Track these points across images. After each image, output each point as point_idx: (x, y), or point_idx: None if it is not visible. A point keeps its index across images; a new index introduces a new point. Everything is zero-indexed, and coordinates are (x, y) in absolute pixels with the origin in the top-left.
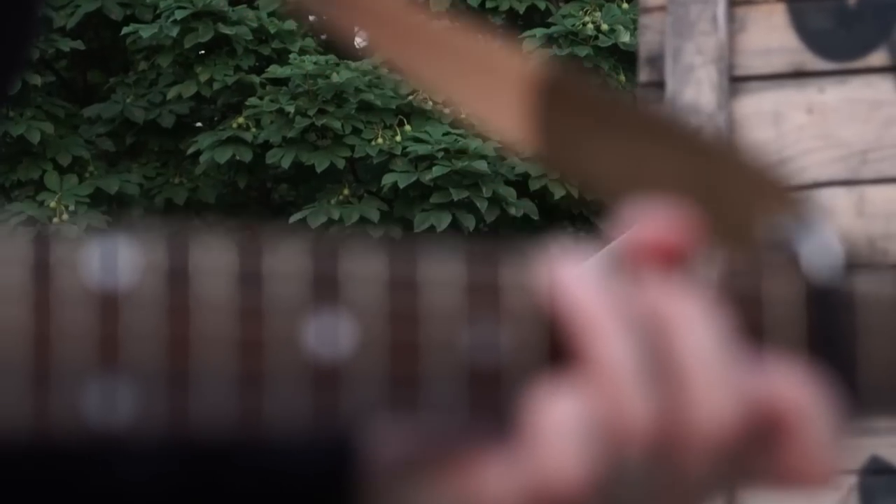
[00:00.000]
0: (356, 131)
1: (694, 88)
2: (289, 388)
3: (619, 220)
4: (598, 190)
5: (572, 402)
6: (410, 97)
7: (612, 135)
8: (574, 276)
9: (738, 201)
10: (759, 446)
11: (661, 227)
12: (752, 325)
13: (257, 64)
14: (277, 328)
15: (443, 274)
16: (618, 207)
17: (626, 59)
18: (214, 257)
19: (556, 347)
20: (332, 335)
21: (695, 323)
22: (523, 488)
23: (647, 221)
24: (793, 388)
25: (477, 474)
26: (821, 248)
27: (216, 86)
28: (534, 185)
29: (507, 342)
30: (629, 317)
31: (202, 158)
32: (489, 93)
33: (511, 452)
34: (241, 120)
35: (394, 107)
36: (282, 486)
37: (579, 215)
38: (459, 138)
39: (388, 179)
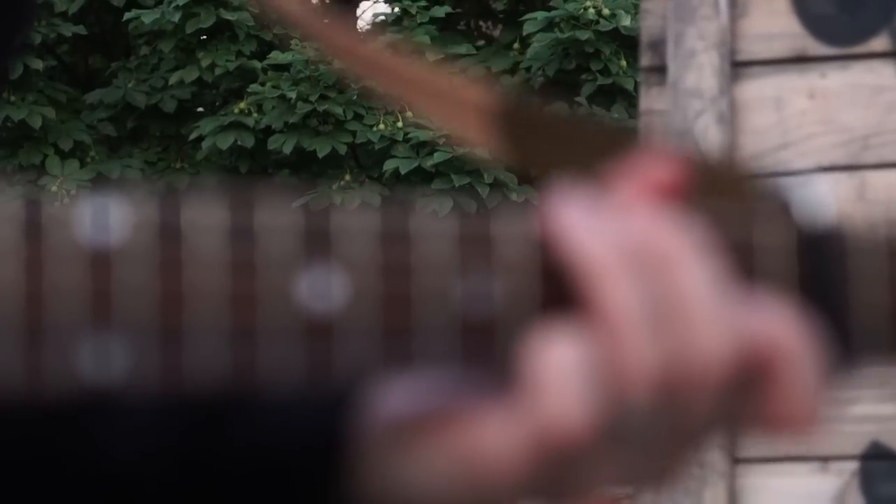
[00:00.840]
0: (358, 117)
1: (695, 73)
2: (282, 343)
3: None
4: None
5: (573, 347)
6: None
7: (571, 155)
8: (571, 218)
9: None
10: (750, 386)
11: (653, 165)
12: (745, 270)
13: (259, 49)
14: (270, 283)
15: (434, 226)
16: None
17: (627, 43)
18: (206, 213)
19: (552, 294)
20: (324, 288)
21: (691, 260)
22: (526, 438)
23: (640, 161)
24: (783, 328)
25: (476, 427)
26: (812, 197)
27: (218, 71)
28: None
29: (501, 292)
30: (627, 256)
31: (204, 144)
32: (457, 118)
33: (510, 403)
34: (242, 105)
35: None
36: (277, 441)
37: None
38: None
39: (389, 165)
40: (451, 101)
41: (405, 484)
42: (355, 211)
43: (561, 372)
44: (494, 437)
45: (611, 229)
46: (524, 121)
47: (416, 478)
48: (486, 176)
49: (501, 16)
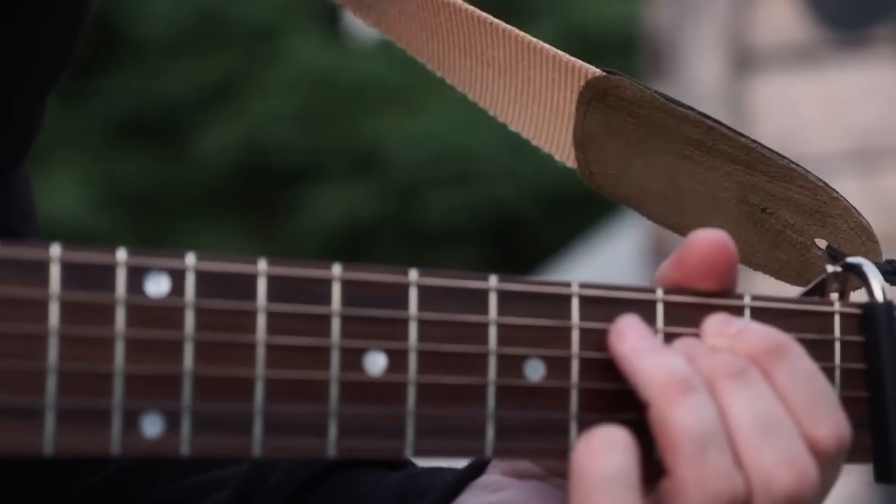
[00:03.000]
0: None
1: (702, 64)
2: None
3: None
4: (639, 207)
5: (622, 456)
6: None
7: (660, 144)
8: (635, 344)
9: (791, 221)
10: None
11: (710, 250)
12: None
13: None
14: None
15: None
16: (660, 225)
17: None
18: None
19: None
20: None
21: (750, 390)
22: None
23: (696, 244)
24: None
25: None
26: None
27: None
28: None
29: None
30: (693, 381)
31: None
32: (539, 101)
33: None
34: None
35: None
36: None
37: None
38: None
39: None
40: (537, 81)
41: None
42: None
43: (605, 476)
44: None
45: (672, 357)
46: (618, 102)
47: None
48: None
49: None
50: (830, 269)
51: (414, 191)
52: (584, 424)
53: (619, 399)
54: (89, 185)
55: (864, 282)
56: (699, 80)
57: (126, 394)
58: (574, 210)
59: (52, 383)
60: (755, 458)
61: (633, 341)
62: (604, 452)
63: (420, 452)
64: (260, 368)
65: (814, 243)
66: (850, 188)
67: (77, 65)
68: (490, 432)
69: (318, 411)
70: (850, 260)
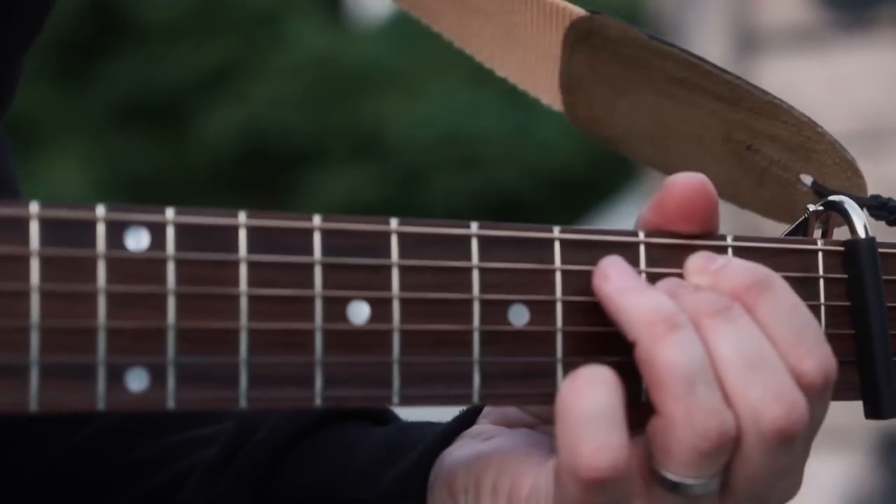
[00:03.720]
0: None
1: (706, 46)
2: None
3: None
4: (627, 149)
5: (607, 392)
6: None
7: (645, 84)
8: (620, 284)
9: (776, 158)
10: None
11: (690, 190)
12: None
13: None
14: None
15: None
16: (646, 168)
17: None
18: None
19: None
20: None
21: (734, 325)
22: (561, 473)
23: (674, 188)
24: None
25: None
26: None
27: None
28: None
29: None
30: (675, 318)
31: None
32: (524, 46)
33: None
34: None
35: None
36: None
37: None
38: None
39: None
40: (526, 25)
41: None
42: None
43: (588, 414)
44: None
45: (656, 295)
46: (605, 40)
47: None
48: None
49: None
50: (812, 207)
51: (416, 175)
52: (570, 368)
53: (604, 342)
54: (91, 168)
55: (846, 219)
56: (706, 57)
57: (109, 349)
58: (576, 194)
59: (35, 340)
60: (743, 394)
61: (616, 281)
62: (588, 389)
63: (406, 400)
64: (243, 320)
65: (798, 179)
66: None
67: (79, 48)
68: (476, 379)
69: (303, 362)
70: (831, 198)
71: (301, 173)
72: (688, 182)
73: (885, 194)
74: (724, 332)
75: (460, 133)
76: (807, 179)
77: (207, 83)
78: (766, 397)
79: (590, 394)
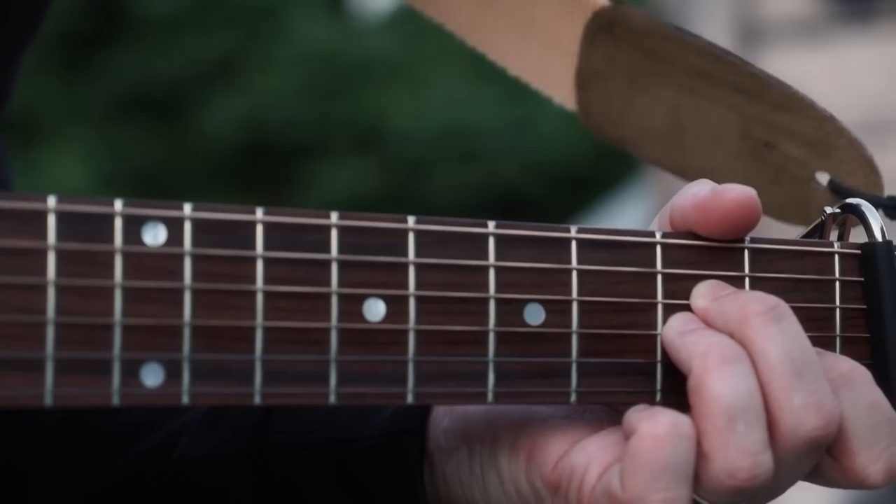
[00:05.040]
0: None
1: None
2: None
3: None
4: (638, 149)
5: (671, 432)
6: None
7: (664, 79)
8: (676, 329)
9: (793, 154)
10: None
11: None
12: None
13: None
14: None
15: None
16: (658, 170)
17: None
18: None
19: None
20: None
21: (777, 338)
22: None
23: (724, 199)
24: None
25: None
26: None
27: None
28: None
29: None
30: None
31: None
32: (542, 41)
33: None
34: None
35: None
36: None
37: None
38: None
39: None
40: (540, 19)
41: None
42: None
43: (666, 466)
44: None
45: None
46: (624, 31)
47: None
48: None
49: None
50: (829, 210)
51: (418, 168)
52: (585, 368)
53: (619, 343)
54: (93, 160)
55: (863, 222)
56: None
57: (125, 344)
58: (577, 187)
59: (50, 334)
60: (787, 402)
61: (679, 325)
62: (670, 441)
63: (421, 398)
64: (259, 317)
65: (814, 178)
66: None
67: (81, 41)
68: (491, 378)
69: (318, 359)
70: (848, 201)
71: (302, 165)
72: (741, 195)
73: (888, 186)
74: (771, 332)
75: (462, 126)
76: (823, 178)
77: (209, 75)
78: (809, 405)
79: (671, 446)
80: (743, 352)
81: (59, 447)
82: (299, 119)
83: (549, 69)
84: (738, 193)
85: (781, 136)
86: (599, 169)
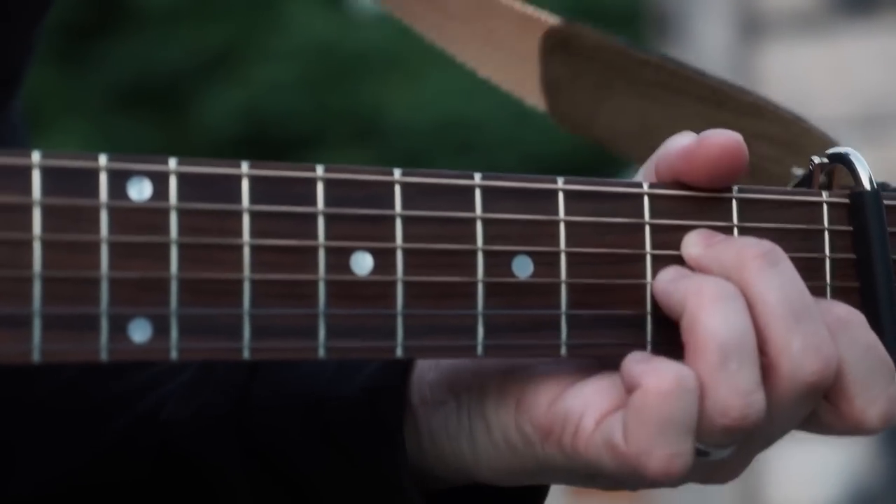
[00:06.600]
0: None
1: (709, 31)
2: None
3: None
4: (613, 148)
5: (669, 382)
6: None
7: (626, 88)
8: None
9: (766, 153)
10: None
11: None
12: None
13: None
14: None
15: None
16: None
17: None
18: None
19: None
20: None
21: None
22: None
23: (710, 145)
24: (849, 332)
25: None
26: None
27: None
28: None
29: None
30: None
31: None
32: (503, 50)
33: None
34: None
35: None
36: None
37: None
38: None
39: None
40: (503, 31)
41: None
42: None
43: (670, 420)
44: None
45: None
46: (581, 48)
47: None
48: None
49: None
50: (817, 160)
51: (416, 160)
52: (575, 321)
53: (609, 295)
54: (92, 151)
55: (851, 169)
56: (707, 47)
57: (112, 300)
58: None
59: (37, 290)
60: (786, 345)
61: (667, 275)
62: (676, 396)
63: (410, 352)
64: (246, 271)
65: (791, 174)
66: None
67: (80, 31)
68: (480, 331)
69: (306, 313)
70: (836, 149)
71: (301, 157)
72: (727, 139)
73: (887, 179)
74: (768, 275)
75: (460, 118)
76: (798, 172)
77: (208, 66)
78: (808, 349)
79: (677, 400)
80: (737, 291)
81: (50, 414)
82: (298, 110)
83: (514, 75)
84: (725, 138)
85: (751, 139)
86: (596, 161)
